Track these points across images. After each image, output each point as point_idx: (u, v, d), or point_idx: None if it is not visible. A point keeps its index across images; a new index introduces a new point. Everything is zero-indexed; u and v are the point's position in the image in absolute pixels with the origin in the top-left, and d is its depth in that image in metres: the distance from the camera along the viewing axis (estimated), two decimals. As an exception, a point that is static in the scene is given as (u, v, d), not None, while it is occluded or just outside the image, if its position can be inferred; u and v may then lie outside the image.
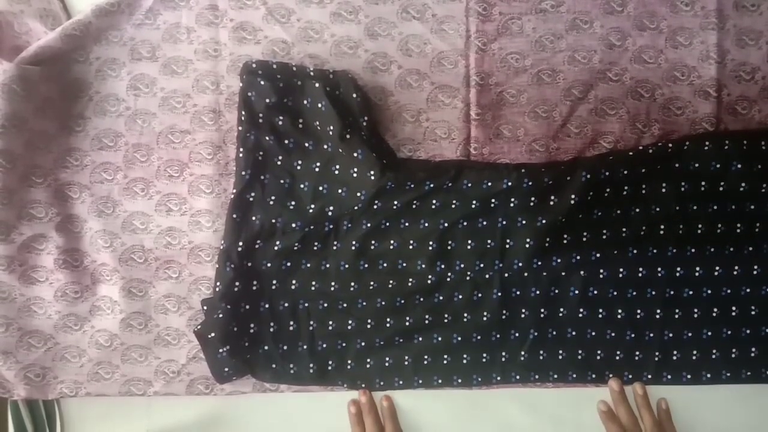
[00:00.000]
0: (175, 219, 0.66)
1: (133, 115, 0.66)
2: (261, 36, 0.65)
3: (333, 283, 0.64)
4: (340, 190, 0.63)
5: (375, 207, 0.62)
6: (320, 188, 0.63)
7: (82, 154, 0.66)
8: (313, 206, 0.63)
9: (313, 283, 0.64)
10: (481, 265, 0.63)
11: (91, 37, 0.65)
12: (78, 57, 0.65)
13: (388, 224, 0.63)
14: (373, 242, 0.63)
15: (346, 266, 0.63)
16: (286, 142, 0.62)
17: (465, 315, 0.63)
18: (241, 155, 0.62)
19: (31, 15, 0.64)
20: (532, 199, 0.61)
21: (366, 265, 0.64)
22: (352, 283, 0.64)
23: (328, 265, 0.64)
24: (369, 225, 0.63)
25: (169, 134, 0.66)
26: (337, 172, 0.62)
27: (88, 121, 0.66)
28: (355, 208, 0.62)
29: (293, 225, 0.63)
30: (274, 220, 0.63)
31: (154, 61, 0.66)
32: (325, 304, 0.64)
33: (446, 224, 0.62)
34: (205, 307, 0.63)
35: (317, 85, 0.60)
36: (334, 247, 0.63)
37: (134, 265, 0.66)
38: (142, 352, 0.66)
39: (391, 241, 0.63)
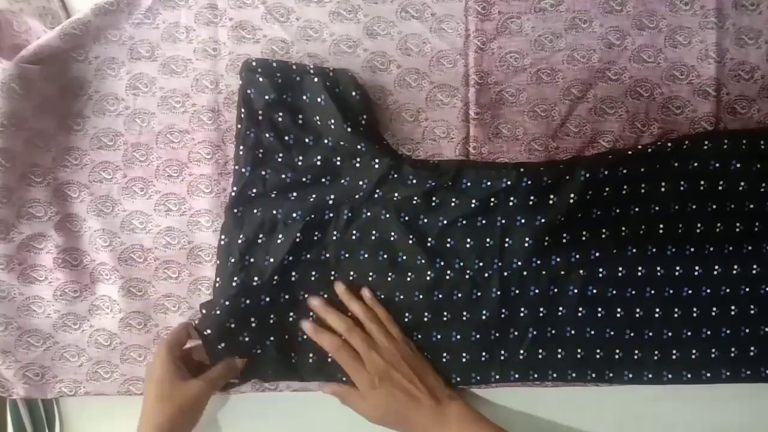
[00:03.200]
0: (174, 219, 0.66)
1: (132, 115, 0.66)
2: (260, 35, 0.65)
3: (333, 273, 0.64)
4: (343, 180, 0.63)
5: (376, 196, 0.62)
6: (323, 180, 0.63)
7: (82, 153, 0.66)
8: (314, 196, 0.63)
9: (313, 273, 0.64)
10: (480, 264, 0.63)
11: (91, 36, 0.65)
12: (77, 56, 0.65)
13: (387, 216, 0.63)
14: (373, 232, 0.63)
15: (346, 255, 0.63)
16: (287, 138, 0.62)
17: (464, 314, 0.63)
18: (241, 153, 0.62)
19: (30, 13, 0.64)
20: (531, 198, 0.61)
21: (365, 255, 0.63)
22: (352, 272, 0.64)
23: (327, 255, 0.64)
24: (369, 214, 0.63)
25: (168, 134, 0.66)
26: (339, 163, 0.62)
27: (87, 120, 0.66)
28: (356, 196, 0.62)
29: (294, 215, 0.63)
30: (275, 212, 0.63)
31: (153, 61, 0.66)
32: (325, 296, 0.64)
33: (445, 222, 0.62)
34: (203, 311, 0.63)
35: (316, 80, 0.60)
36: (334, 237, 0.63)
37: (133, 265, 0.66)
38: (142, 351, 0.66)
39: (392, 233, 0.63)
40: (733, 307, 0.63)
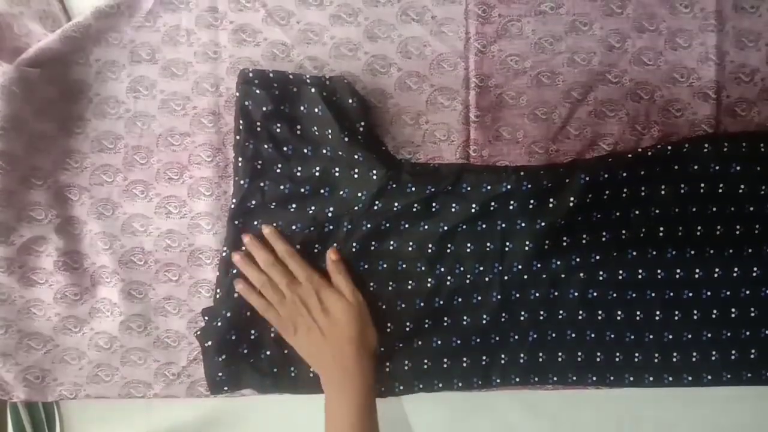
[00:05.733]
0: (174, 221, 0.66)
1: (132, 118, 0.66)
2: (261, 38, 0.65)
3: None
4: (341, 192, 0.63)
5: (375, 208, 0.62)
6: (321, 191, 0.63)
7: (82, 156, 0.66)
8: (313, 207, 0.63)
9: None
10: (481, 268, 0.63)
11: (91, 39, 0.65)
12: (78, 59, 0.65)
13: (388, 225, 0.63)
14: (373, 243, 0.63)
15: None
16: (285, 149, 0.62)
17: (464, 318, 0.63)
18: (240, 164, 0.62)
19: (30, 17, 0.64)
20: (531, 201, 0.61)
21: (366, 266, 0.63)
22: None
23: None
24: (369, 226, 0.63)
25: (168, 137, 0.66)
26: (337, 174, 0.62)
27: (88, 123, 0.66)
28: (356, 208, 0.62)
29: (293, 227, 0.63)
30: (274, 224, 0.63)
31: (153, 64, 0.66)
32: None
33: (446, 227, 0.62)
34: (206, 317, 0.63)
35: (313, 90, 0.60)
36: None
37: (134, 268, 0.66)
38: (142, 354, 0.66)
39: (391, 242, 0.63)
40: (733, 310, 0.63)
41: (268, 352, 0.64)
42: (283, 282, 0.61)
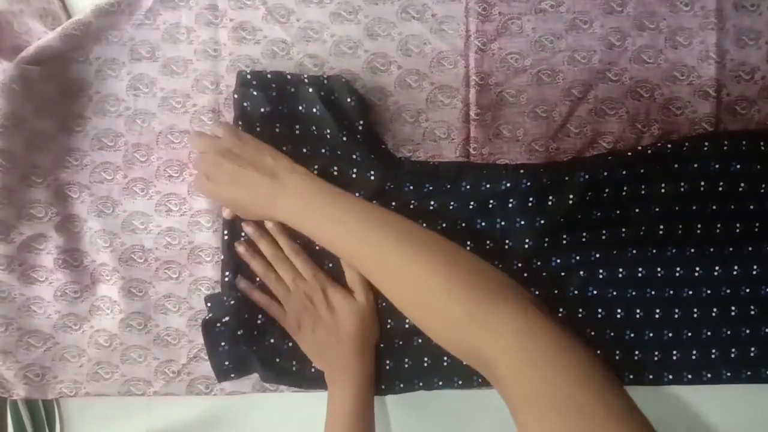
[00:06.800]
0: (174, 219, 0.66)
1: (132, 115, 0.66)
2: (260, 36, 0.65)
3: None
4: None
5: None
6: None
7: (82, 154, 0.66)
8: None
9: None
10: (480, 266, 0.63)
11: (91, 37, 0.65)
12: (78, 57, 0.65)
13: None
14: None
15: None
16: (284, 149, 0.62)
17: (464, 316, 0.63)
18: None
19: (30, 15, 0.64)
20: (531, 199, 0.61)
21: None
22: None
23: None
24: None
25: (168, 134, 0.66)
26: (336, 173, 0.62)
27: (88, 121, 0.66)
28: None
29: None
30: None
31: (153, 61, 0.66)
32: None
33: (444, 225, 0.62)
34: (209, 304, 0.63)
35: (311, 90, 0.60)
36: None
37: (134, 265, 0.66)
38: (142, 352, 0.66)
39: None
40: (733, 308, 0.63)
41: (272, 340, 0.64)
42: (289, 276, 0.61)
